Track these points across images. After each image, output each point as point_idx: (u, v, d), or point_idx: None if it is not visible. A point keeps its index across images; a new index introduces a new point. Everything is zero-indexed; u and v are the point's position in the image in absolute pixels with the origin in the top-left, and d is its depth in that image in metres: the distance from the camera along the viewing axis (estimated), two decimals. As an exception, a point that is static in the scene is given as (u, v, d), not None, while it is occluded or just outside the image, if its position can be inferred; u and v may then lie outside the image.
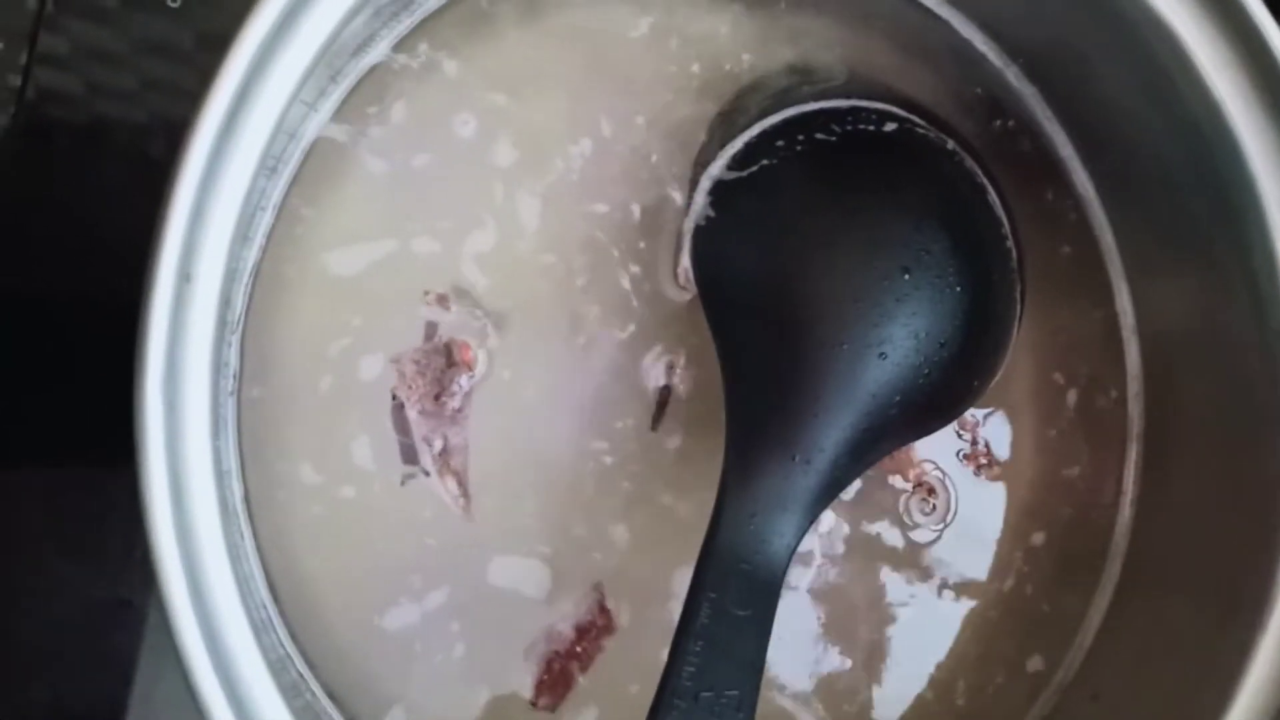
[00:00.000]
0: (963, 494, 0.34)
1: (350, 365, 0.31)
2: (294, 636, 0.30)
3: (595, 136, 0.32)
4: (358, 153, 0.31)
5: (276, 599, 0.30)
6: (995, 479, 0.34)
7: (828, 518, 0.33)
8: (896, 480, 0.34)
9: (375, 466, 0.31)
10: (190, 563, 0.24)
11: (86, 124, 0.39)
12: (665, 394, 0.32)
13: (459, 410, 0.31)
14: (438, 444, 0.31)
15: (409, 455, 0.31)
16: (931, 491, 0.34)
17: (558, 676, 0.32)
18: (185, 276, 0.23)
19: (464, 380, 0.31)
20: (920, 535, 0.34)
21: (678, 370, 0.32)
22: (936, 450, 0.34)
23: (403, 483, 0.31)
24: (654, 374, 0.32)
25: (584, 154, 0.32)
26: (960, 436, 0.34)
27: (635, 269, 0.32)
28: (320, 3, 0.25)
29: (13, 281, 0.38)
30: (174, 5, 0.37)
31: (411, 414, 0.31)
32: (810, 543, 0.33)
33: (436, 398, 0.31)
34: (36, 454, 0.38)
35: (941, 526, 0.34)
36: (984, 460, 0.34)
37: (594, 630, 0.32)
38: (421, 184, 0.31)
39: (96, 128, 0.39)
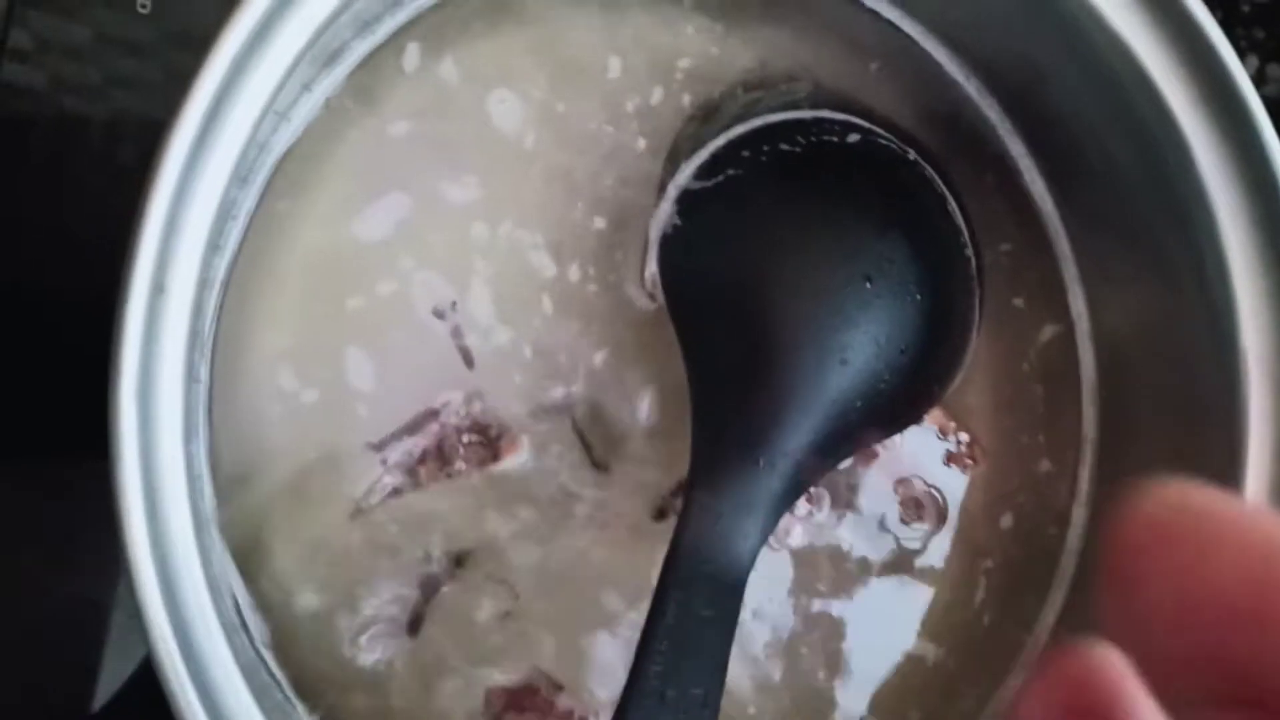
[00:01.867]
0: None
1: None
2: (265, 635, 0.31)
3: (561, 146, 0.32)
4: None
5: (248, 601, 0.31)
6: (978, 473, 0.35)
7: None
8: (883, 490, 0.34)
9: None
10: (164, 568, 0.25)
11: (51, 119, 0.39)
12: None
13: (453, 475, 0.32)
14: (416, 454, 0.31)
15: (395, 438, 0.32)
16: (919, 505, 0.34)
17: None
18: (159, 288, 0.24)
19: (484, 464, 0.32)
20: (910, 544, 0.34)
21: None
22: (922, 464, 0.34)
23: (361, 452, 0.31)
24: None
25: (550, 163, 0.32)
26: (941, 439, 0.35)
27: (601, 281, 0.32)
28: (297, 13, 0.25)
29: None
30: (144, 11, 0.37)
31: (432, 425, 0.31)
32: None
33: (448, 459, 0.32)
34: (3, 452, 0.38)
35: (929, 535, 0.34)
36: (969, 460, 0.35)
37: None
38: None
39: (61, 123, 0.39)
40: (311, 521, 0.31)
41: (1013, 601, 0.35)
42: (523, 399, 0.32)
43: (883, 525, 0.34)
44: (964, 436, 0.34)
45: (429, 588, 0.32)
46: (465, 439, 0.31)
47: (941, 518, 0.34)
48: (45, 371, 0.36)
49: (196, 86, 0.23)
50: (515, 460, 0.32)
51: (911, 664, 0.34)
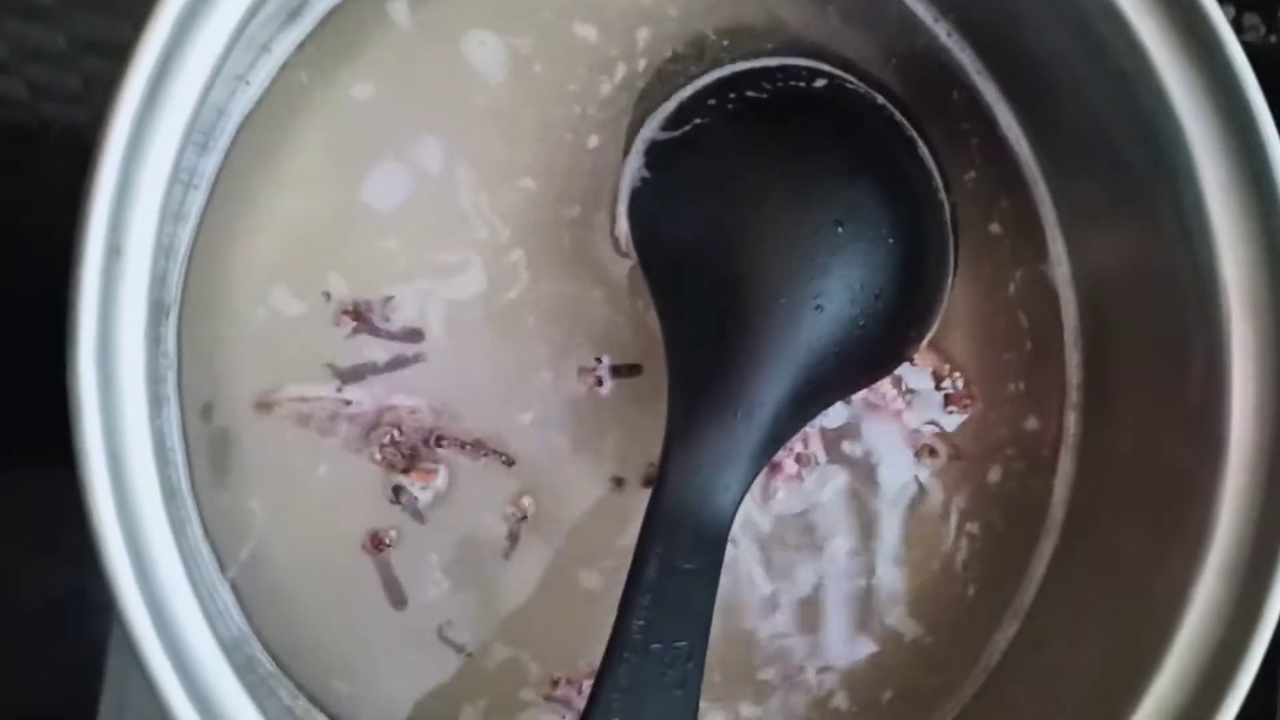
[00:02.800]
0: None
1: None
2: (244, 612, 0.30)
3: (532, 99, 0.32)
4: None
5: (226, 578, 0.30)
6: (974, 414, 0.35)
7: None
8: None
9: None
10: (134, 541, 0.24)
11: (27, 124, 0.39)
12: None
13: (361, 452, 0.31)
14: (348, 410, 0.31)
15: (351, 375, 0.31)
16: (933, 453, 0.34)
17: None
18: (114, 250, 0.23)
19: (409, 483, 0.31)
20: (901, 502, 0.34)
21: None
22: (925, 410, 0.34)
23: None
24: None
25: (519, 121, 0.32)
26: (940, 387, 0.34)
27: (573, 237, 0.32)
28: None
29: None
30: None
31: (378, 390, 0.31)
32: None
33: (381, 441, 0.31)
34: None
35: (929, 487, 0.34)
36: (967, 400, 0.34)
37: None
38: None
39: (38, 128, 0.39)
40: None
41: (997, 566, 0.35)
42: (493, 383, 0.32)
43: (876, 480, 0.34)
44: (958, 377, 0.34)
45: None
46: (391, 435, 0.31)
47: (952, 458, 0.34)
48: (25, 375, 0.36)
49: (142, 44, 0.23)
50: (423, 485, 0.31)
51: (890, 640, 0.34)
